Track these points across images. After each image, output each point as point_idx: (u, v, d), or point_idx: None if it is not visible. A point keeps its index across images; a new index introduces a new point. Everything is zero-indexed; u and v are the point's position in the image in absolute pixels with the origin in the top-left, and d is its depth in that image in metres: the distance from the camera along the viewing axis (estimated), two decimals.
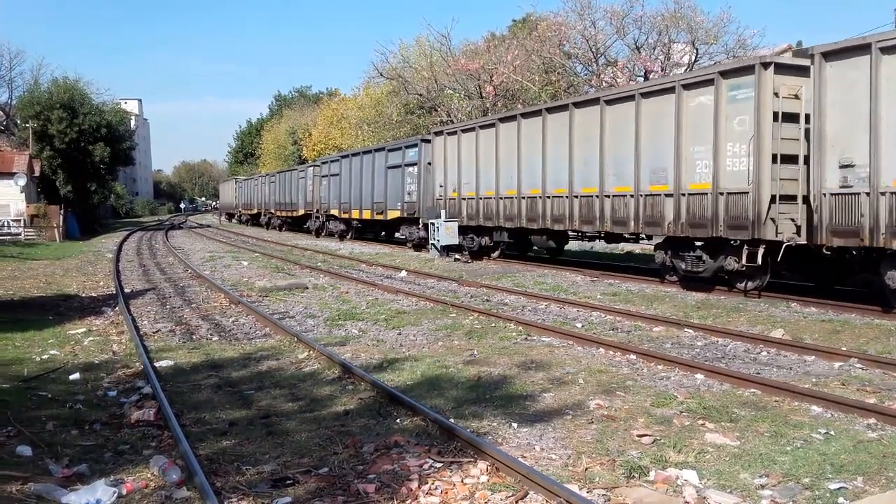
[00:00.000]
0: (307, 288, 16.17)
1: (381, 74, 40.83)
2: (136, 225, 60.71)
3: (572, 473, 5.28)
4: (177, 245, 32.91)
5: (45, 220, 38.93)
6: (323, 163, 37.35)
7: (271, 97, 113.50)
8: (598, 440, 5.99)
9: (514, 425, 6.38)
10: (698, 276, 14.27)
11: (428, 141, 25.26)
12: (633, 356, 8.94)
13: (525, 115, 19.53)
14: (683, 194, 14.04)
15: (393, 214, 27.74)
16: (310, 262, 22.45)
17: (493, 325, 11.30)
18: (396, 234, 29.55)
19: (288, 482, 5.18)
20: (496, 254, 21.96)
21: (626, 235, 16.99)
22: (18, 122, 48.74)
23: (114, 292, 15.86)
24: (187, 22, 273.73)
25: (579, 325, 11.34)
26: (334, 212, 34.39)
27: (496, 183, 20.35)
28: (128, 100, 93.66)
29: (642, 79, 29.61)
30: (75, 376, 8.38)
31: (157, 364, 8.90)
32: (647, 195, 15.04)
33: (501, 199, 20.19)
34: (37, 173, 44.46)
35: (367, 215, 30.59)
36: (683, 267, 14.52)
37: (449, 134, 23.32)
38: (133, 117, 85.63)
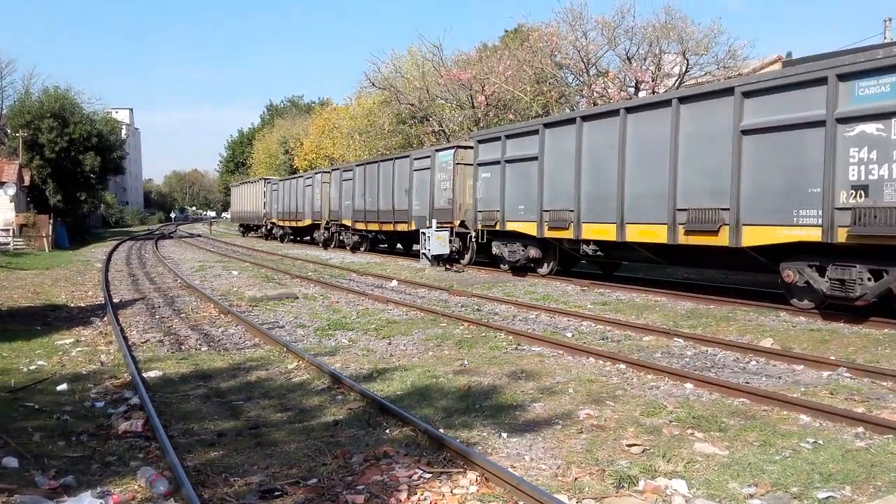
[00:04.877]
0: (297, 298, 16.13)
1: (373, 84, 40.87)
2: (126, 234, 60.45)
3: (562, 483, 5.27)
4: (166, 255, 32.78)
5: (34, 229, 38.75)
6: (482, 140, 21.09)
7: (263, 107, 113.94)
8: (588, 450, 5.98)
9: (504, 435, 6.37)
10: None
11: None
12: (622, 365, 8.94)
13: None
14: None
15: (778, 236, 12.08)
16: (300, 272, 22.39)
17: (484, 334, 11.30)
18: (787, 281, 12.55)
19: (276, 493, 5.15)
20: None
21: None
22: (9, 131, 48.60)
23: (102, 302, 15.77)
24: (179, 32, 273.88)
25: (569, 335, 11.35)
26: (515, 226, 19.11)
27: None
28: (118, 109, 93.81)
29: (633, 90, 29.77)
30: (63, 387, 8.32)
31: (145, 374, 8.85)
32: None
33: None
34: (27, 182, 44.34)
35: (639, 235, 15.04)
36: None
37: None
38: (124, 126, 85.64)
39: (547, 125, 18.16)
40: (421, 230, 23.90)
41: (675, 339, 10.75)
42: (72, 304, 15.89)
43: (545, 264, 19.22)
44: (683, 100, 14.19)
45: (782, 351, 9.77)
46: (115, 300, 16.08)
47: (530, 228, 18.41)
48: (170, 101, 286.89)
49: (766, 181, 12.43)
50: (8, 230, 37.92)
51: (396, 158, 28.14)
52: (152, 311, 14.79)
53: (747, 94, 12.86)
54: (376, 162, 29.88)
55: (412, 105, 37.88)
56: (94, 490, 5.14)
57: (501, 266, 20.71)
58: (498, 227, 19.98)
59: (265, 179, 49.72)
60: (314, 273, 22.32)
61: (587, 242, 16.88)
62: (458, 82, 34.59)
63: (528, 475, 5.41)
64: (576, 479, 5.33)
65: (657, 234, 14.56)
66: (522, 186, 18.86)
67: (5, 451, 6.07)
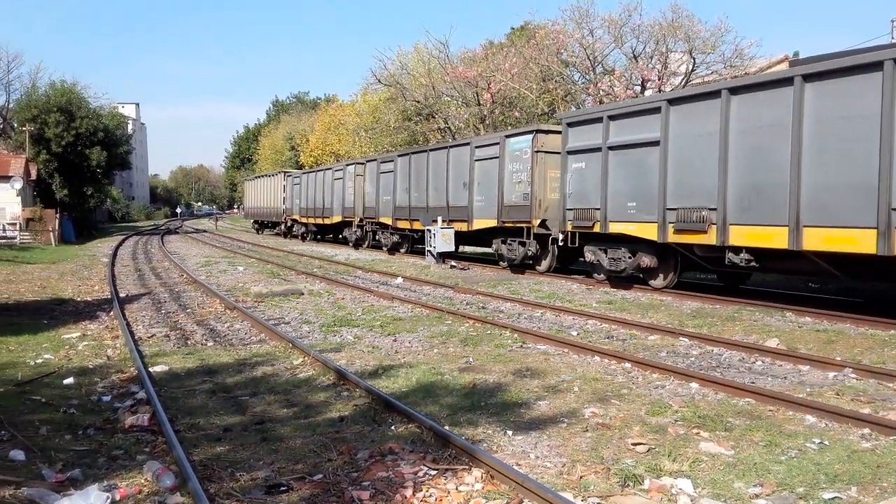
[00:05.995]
0: (303, 294, 16.15)
1: (379, 81, 40.88)
2: (132, 229, 60.61)
3: (567, 481, 5.28)
4: (172, 250, 32.85)
5: (40, 223, 38.87)
6: (574, 123, 17.60)
7: (269, 103, 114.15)
8: (593, 448, 5.98)
9: (509, 433, 6.38)
10: None
11: None
12: (628, 364, 8.93)
13: None
14: None
15: None
16: (306, 268, 22.42)
17: (489, 332, 11.30)
18: None
19: (282, 488, 5.17)
20: None
21: None
22: (15, 125, 48.75)
23: (109, 297, 15.81)
24: (186, 27, 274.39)
25: (575, 333, 11.34)
26: (622, 228, 15.66)
27: None
28: (125, 104, 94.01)
29: (639, 88, 29.71)
30: (69, 381, 8.35)
31: (151, 369, 8.88)
32: None
33: None
34: (33, 177, 44.49)
35: (825, 242, 11.54)
36: None
37: None
38: (130, 121, 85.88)
39: (673, 101, 14.48)
40: (426, 227, 23.89)
41: (681, 338, 10.74)
42: (78, 299, 15.94)
43: (661, 275, 15.55)
44: None
45: (788, 351, 9.75)
46: (122, 295, 16.12)
47: (646, 231, 14.82)
48: (176, 97, 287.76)
49: None
50: (15, 224, 38.05)
51: (452, 147, 24.25)
52: (158, 305, 14.83)
53: None
54: (425, 151, 26.08)
55: (418, 102, 37.89)
56: (101, 483, 5.16)
57: (596, 276, 17.12)
58: (597, 229, 16.17)
59: (285, 172, 45.78)
60: (319, 269, 22.35)
61: (736, 250, 12.97)
62: (463, 80, 34.57)
63: (534, 473, 5.42)
64: (581, 478, 5.33)
65: (856, 242, 10.97)
66: (634, 179, 15.27)
67: (12, 445, 6.10)
